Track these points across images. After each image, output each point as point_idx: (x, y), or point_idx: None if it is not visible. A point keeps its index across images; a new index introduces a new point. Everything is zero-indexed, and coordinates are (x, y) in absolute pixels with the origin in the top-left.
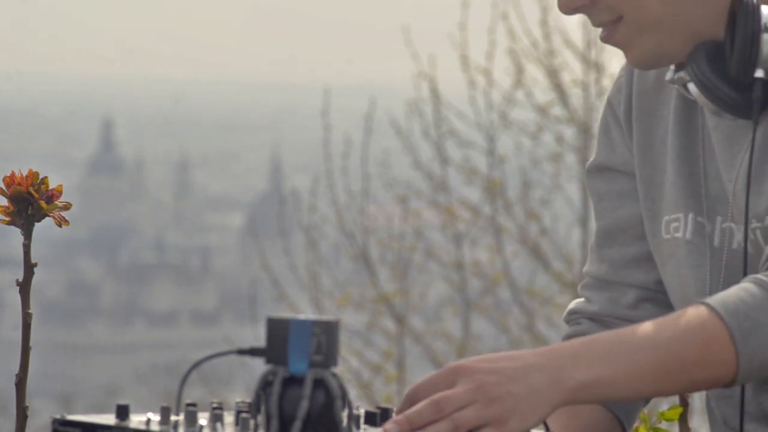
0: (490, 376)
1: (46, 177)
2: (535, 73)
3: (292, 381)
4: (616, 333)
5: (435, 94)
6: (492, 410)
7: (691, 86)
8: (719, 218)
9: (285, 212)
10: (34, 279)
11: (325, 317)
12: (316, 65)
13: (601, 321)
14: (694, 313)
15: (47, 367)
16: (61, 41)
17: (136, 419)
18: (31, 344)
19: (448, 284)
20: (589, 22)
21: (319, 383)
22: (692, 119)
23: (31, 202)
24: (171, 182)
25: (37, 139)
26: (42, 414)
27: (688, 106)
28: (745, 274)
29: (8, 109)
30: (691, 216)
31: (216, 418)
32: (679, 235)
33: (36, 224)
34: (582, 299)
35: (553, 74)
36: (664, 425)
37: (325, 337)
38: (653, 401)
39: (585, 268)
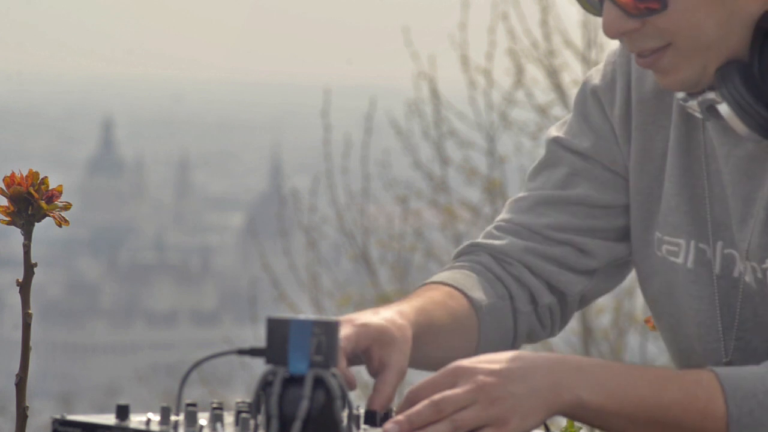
0: (490, 376)
1: (46, 177)
2: (535, 74)
3: (292, 381)
4: (625, 368)
5: (435, 94)
6: (492, 411)
7: (723, 107)
8: (720, 243)
9: (285, 212)
10: (34, 279)
11: (325, 317)
12: (316, 65)
13: (501, 260)
14: (705, 382)
15: (47, 367)
16: (61, 41)
17: (136, 419)
18: (31, 344)
19: None
20: (589, 22)
21: (319, 383)
22: (693, 137)
23: (31, 202)
24: (171, 182)
25: (37, 139)
26: (42, 414)
27: (688, 122)
28: (745, 306)
29: (8, 109)
30: (692, 243)
31: (216, 418)
32: (678, 261)
33: (36, 224)
34: (489, 237)
35: (553, 74)
36: None
37: (325, 337)
38: None
39: (506, 216)
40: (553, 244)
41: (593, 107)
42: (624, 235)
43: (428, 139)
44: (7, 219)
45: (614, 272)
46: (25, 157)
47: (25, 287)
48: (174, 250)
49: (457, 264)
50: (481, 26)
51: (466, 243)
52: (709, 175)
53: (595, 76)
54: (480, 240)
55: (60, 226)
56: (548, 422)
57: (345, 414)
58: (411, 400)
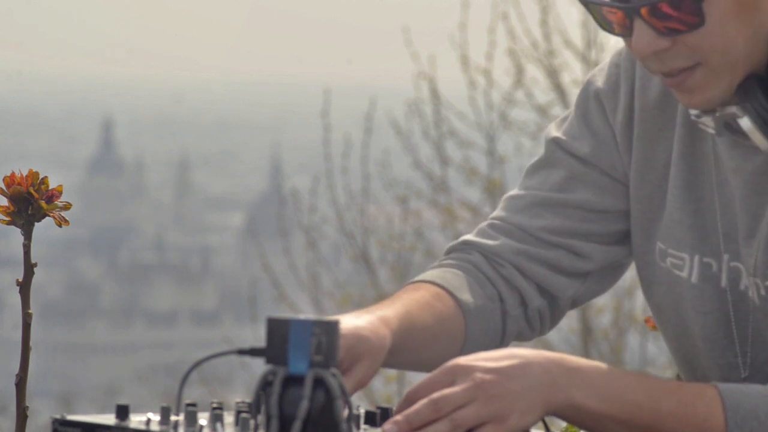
0: (488, 374)
1: (46, 177)
2: (535, 74)
3: (292, 381)
4: (623, 374)
5: (435, 94)
6: (491, 408)
7: (744, 121)
8: (726, 256)
9: (285, 212)
10: (34, 279)
11: (325, 317)
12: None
13: (493, 260)
14: (707, 397)
15: (47, 367)
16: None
17: (136, 419)
18: (31, 344)
19: None
20: (589, 23)
21: (319, 383)
22: (698, 149)
23: (31, 202)
24: (171, 182)
25: (37, 139)
26: (42, 414)
27: (693, 134)
28: (752, 320)
29: (8, 109)
30: (697, 258)
31: (216, 418)
32: (682, 275)
33: (36, 224)
34: (482, 236)
35: (553, 74)
36: None
37: (325, 337)
38: None
39: (501, 214)
40: (547, 247)
41: (595, 110)
42: (620, 239)
43: (428, 139)
44: (7, 219)
45: (608, 274)
46: (25, 157)
47: (25, 287)
48: (174, 250)
49: (447, 262)
50: (481, 26)
51: (459, 239)
52: (718, 185)
53: (599, 77)
54: (473, 238)
55: (60, 226)
56: (549, 422)
57: (345, 414)
58: (410, 400)
